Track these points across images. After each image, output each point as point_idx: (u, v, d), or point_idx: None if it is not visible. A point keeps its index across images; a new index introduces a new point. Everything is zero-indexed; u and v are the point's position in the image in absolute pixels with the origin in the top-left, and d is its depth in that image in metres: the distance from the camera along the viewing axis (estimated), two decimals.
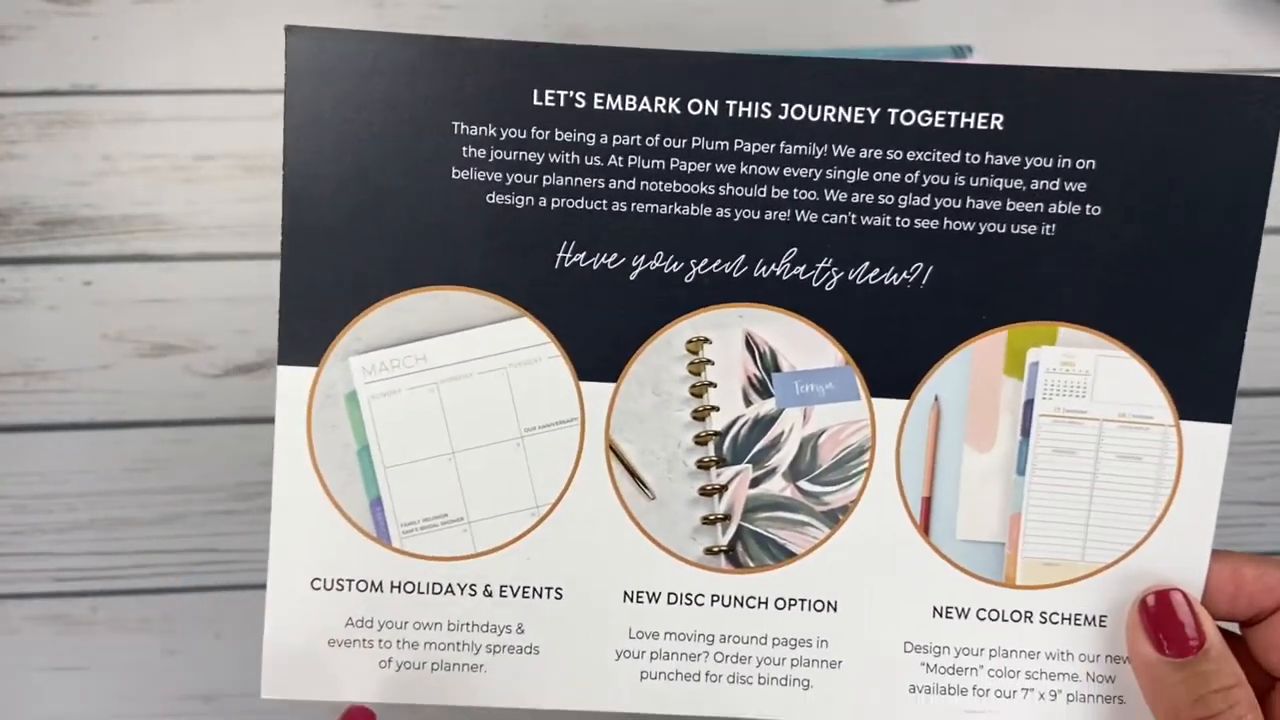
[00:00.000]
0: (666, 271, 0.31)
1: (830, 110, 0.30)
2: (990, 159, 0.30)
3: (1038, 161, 0.30)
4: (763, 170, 0.30)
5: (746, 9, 0.46)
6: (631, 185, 0.30)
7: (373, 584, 0.31)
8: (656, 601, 0.32)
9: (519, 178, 0.30)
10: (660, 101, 0.30)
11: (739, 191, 0.30)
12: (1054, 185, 0.30)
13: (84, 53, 0.44)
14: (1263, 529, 0.48)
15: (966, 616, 0.32)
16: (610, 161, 0.30)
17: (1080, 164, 0.30)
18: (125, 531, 0.47)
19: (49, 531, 0.47)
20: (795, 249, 0.30)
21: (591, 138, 0.30)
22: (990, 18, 0.46)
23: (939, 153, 0.30)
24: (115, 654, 0.48)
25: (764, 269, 0.31)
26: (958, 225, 0.30)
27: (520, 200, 0.30)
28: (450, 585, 0.31)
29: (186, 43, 0.44)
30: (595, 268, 0.31)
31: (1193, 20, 0.46)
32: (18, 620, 0.47)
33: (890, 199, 0.30)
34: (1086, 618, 0.32)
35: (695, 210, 0.30)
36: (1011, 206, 0.30)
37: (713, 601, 0.32)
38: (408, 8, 0.45)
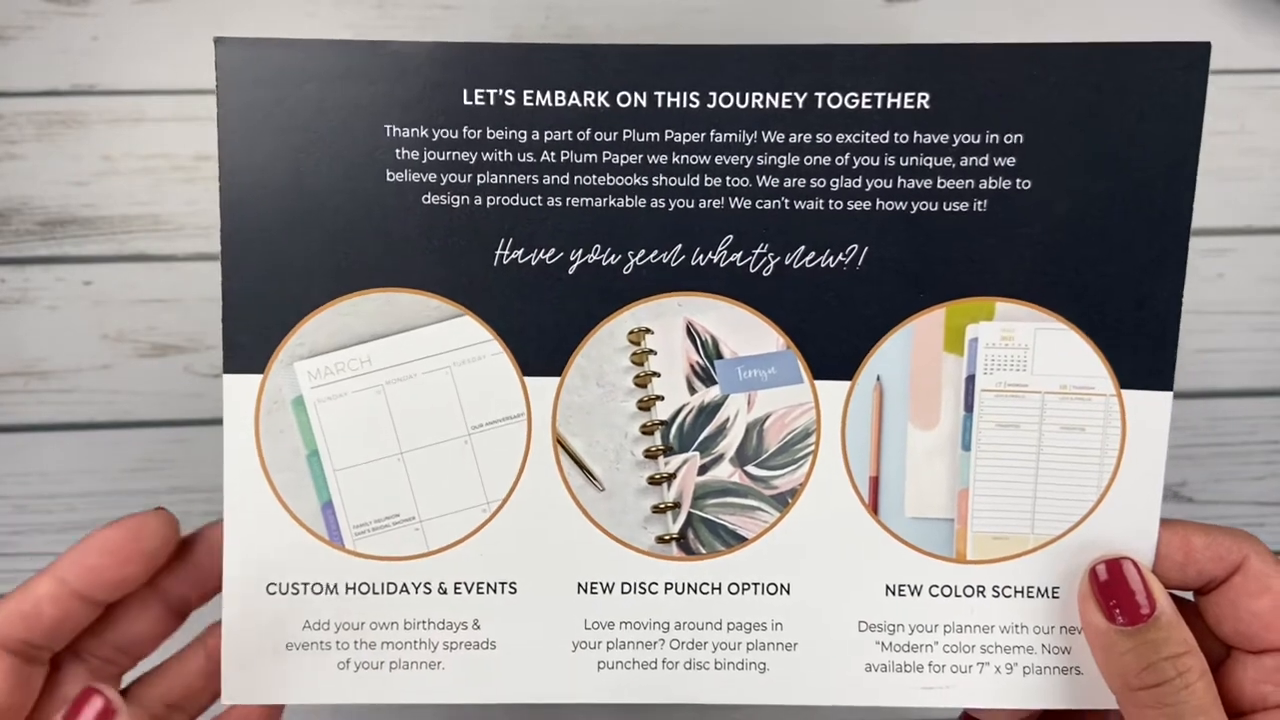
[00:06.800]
0: (604, 264, 0.31)
1: (758, 97, 0.30)
2: (919, 138, 0.30)
3: (966, 138, 0.30)
4: (694, 160, 0.30)
5: (746, 9, 0.46)
6: (565, 180, 0.30)
7: (328, 586, 0.32)
8: (610, 592, 0.32)
9: (453, 178, 0.30)
10: (589, 95, 0.30)
11: (672, 182, 0.30)
12: (983, 161, 0.30)
13: (84, 53, 0.44)
14: (1263, 529, 0.48)
15: (919, 594, 0.32)
16: (543, 157, 0.30)
17: (1008, 139, 0.30)
18: None
19: (49, 531, 0.47)
20: (731, 236, 0.31)
21: (523, 135, 0.30)
22: (990, 18, 0.46)
23: (868, 134, 0.30)
24: None
25: (701, 257, 0.31)
26: (890, 205, 0.30)
27: (456, 200, 0.30)
28: (405, 585, 0.32)
29: (186, 43, 0.44)
30: (534, 263, 0.31)
31: (1193, 20, 0.46)
32: None
33: (822, 182, 0.30)
34: (1039, 590, 0.32)
35: (630, 202, 0.30)
36: (942, 184, 0.30)
37: (666, 589, 0.32)
38: (408, 8, 0.45)
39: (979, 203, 0.30)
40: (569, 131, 0.30)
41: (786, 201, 0.30)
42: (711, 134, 0.30)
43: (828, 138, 0.30)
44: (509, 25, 0.46)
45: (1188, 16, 0.46)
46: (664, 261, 0.31)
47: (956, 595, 0.32)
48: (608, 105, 0.30)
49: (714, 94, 0.30)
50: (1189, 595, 0.32)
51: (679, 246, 0.31)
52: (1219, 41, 0.47)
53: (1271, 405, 0.47)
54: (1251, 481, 0.48)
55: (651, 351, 0.31)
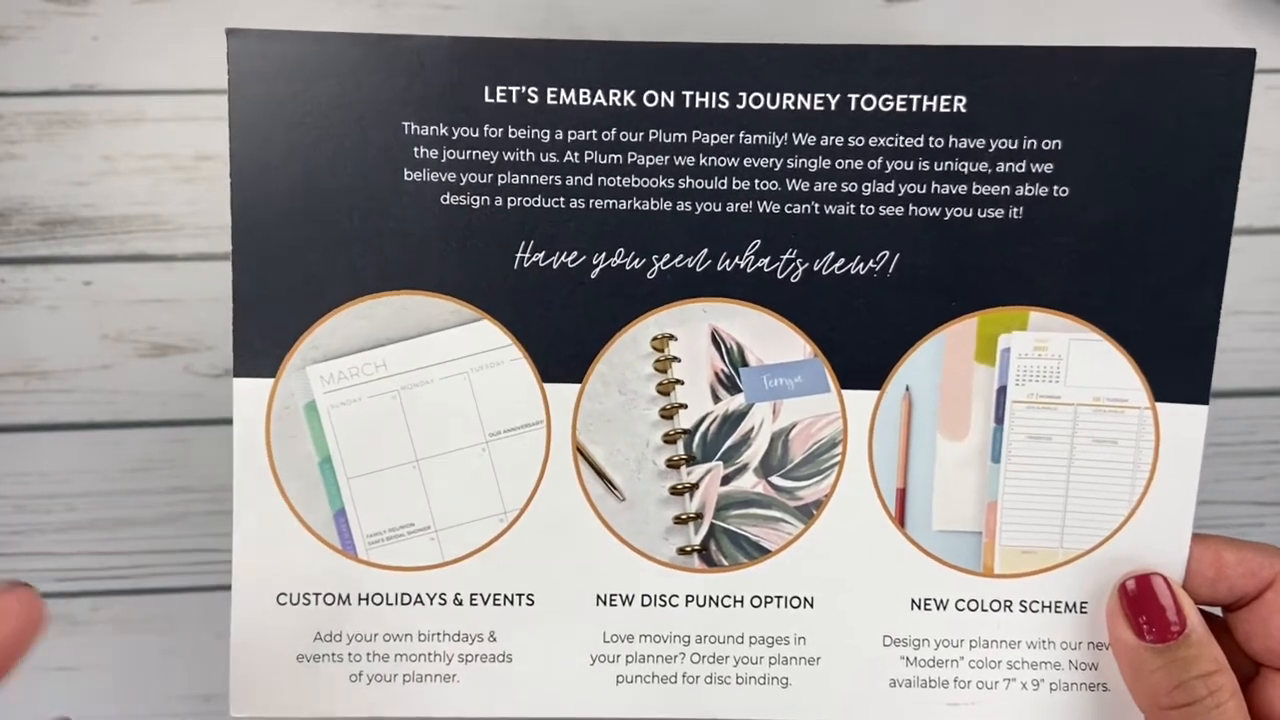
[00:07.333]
0: (628, 268, 0.30)
1: (789, 98, 0.29)
2: (954, 142, 0.29)
3: (1003, 143, 0.29)
4: (723, 161, 0.29)
5: (747, 8, 0.45)
6: (589, 181, 0.29)
7: (340, 597, 0.31)
8: (630, 604, 0.31)
9: (473, 177, 0.29)
10: (615, 94, 0.29)
11: (699, 184, 0.29)
12: (1020, 167, 0.29)
13: (84, 53, 0.44)
14: (1263, 529, 0.48)
15: (945, 608, 0.31)
16: (566, 158, 0.29)
17: (1046, 144, 0.29)
18: (125, 531, 0.46)
19: (49, 531, 0.46)
20: (758, 241, 0.30)
21: (546, 134, 0.29)
22: (990, 19, 0.45)
23: (902, 137, 0.29)
24: (115, 654, 0.47)
25: (727, 262, 0.30)
26: (923, 211, 0.29)
27: (476, 200, 0.29)
28: (419, 595, 0.31)
29: (187, 42, 0.43)
30: (555, 267, 0.30)
31: (1193, 20, 0.46)
32: None
33: (854, 186, 0.29)
34: (1067, 605, 0.31)
35: (655, 205, 0.30)
36: (977, 190, 0.29)
37: (687, 602, 0.31)
38: (408, 8, 0.44)
39: (1015, 210, 0.29)
40: (593, 131, 0.29)
41: (816, 206, 0.30)
42: (740, 135, 0.29)
43: (860, 141, 0.29)
44: (510, 26, 0.45)
45: (1188, 17, 0.45)
46: (689, 266, 0.30)
47: (983, 610, 0.31)
48: (634, 104, 0.29)
49: (744, 94, 0.29)
50: (1217, 611, 0.32)
51: (705, 251, 0.30)
52: (1219, 42, 0.47)
53: (1271, 405, 0.47)
54: (1251, 481, 0.48)
55: (675, 358, 0.31)
